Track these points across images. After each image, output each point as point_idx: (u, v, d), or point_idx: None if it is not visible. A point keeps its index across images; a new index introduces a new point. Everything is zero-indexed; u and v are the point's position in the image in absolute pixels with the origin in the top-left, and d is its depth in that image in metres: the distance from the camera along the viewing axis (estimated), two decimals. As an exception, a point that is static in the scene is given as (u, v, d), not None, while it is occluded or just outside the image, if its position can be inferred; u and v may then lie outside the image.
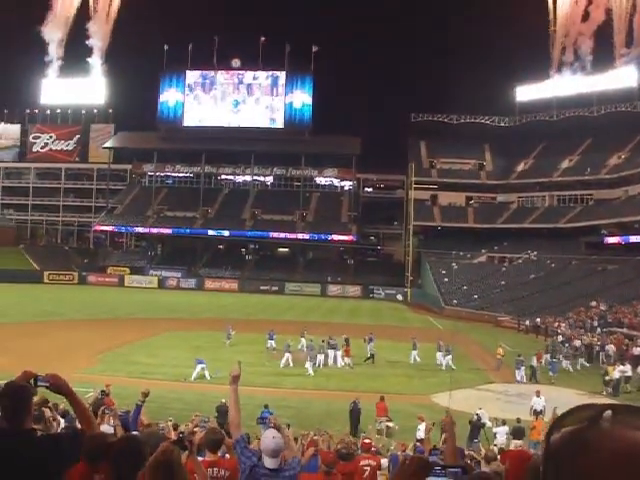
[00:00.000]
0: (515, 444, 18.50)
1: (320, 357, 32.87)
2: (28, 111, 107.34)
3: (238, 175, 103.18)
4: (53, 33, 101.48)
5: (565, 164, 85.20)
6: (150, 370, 29.39)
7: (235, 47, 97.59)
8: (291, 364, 32.46)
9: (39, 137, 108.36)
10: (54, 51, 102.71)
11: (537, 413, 22.79)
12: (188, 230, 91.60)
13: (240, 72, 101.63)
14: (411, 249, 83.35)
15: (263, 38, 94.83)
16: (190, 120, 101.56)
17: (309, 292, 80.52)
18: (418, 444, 15.75)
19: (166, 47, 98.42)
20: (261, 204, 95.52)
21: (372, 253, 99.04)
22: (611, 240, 70.34)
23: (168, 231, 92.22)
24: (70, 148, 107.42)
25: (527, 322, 53.43)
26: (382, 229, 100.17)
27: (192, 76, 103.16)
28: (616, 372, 29.60)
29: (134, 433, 7.49)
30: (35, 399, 4.78)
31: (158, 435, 8.72)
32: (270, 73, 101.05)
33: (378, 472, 11.69)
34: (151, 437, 6.64)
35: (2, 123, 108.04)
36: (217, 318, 50.29)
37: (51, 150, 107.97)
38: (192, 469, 4.98)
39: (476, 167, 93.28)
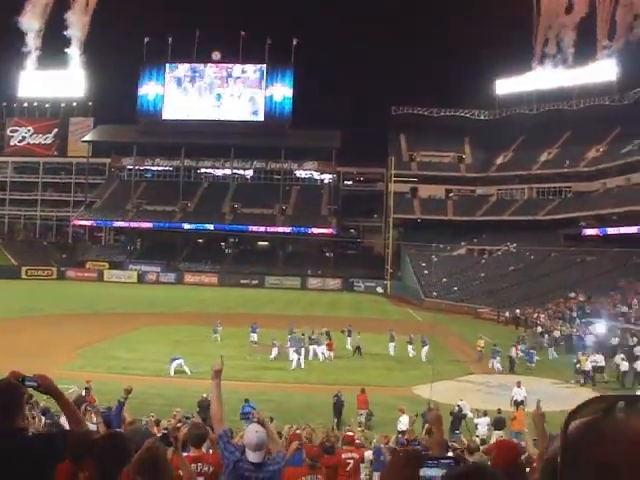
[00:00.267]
0: (496, 434, 18.66)
1: (302, 351, 32.89)
2: (5, 104, 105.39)
3: (218, 169, 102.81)
4: (31, 23, 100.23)
5: (544, 157, 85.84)
6: (130, 365, 29.21)
7: (216, 40, 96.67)
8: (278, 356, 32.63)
9: (17, 131, 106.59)
10: (32, 42, 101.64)
11: (518, 404, 23.02)
12: (167, 224, 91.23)
13: (220, 65, 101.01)
14: (391, 242, 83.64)
15: (243, 32, 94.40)
16: (170, 113, 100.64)
17: (289, 285, 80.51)
18: (400, 436, 15.86)
19: (146, 39, 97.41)
20: (241, 198, 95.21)
21: (352, 246, 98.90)
22: (589, 232, 71.09)
23: (148, 225, 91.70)
24: (48, 142, 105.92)
25: (507, 314, 53.88)
26: (362, 222, 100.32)
27: (172, 69, 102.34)
28: (588, 363, 29.91)
29: (118, 430, 7.42)
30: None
31: (143, 432, 8.68)
32: (250, 66, 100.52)
33: (361, 465, 11.73)
34: (136, 434, 6.60)
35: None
36: (197, 312, 50.38)
37: (29, 144, 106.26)
38: (177, 465, 4.94)
39: (456, 160, 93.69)
